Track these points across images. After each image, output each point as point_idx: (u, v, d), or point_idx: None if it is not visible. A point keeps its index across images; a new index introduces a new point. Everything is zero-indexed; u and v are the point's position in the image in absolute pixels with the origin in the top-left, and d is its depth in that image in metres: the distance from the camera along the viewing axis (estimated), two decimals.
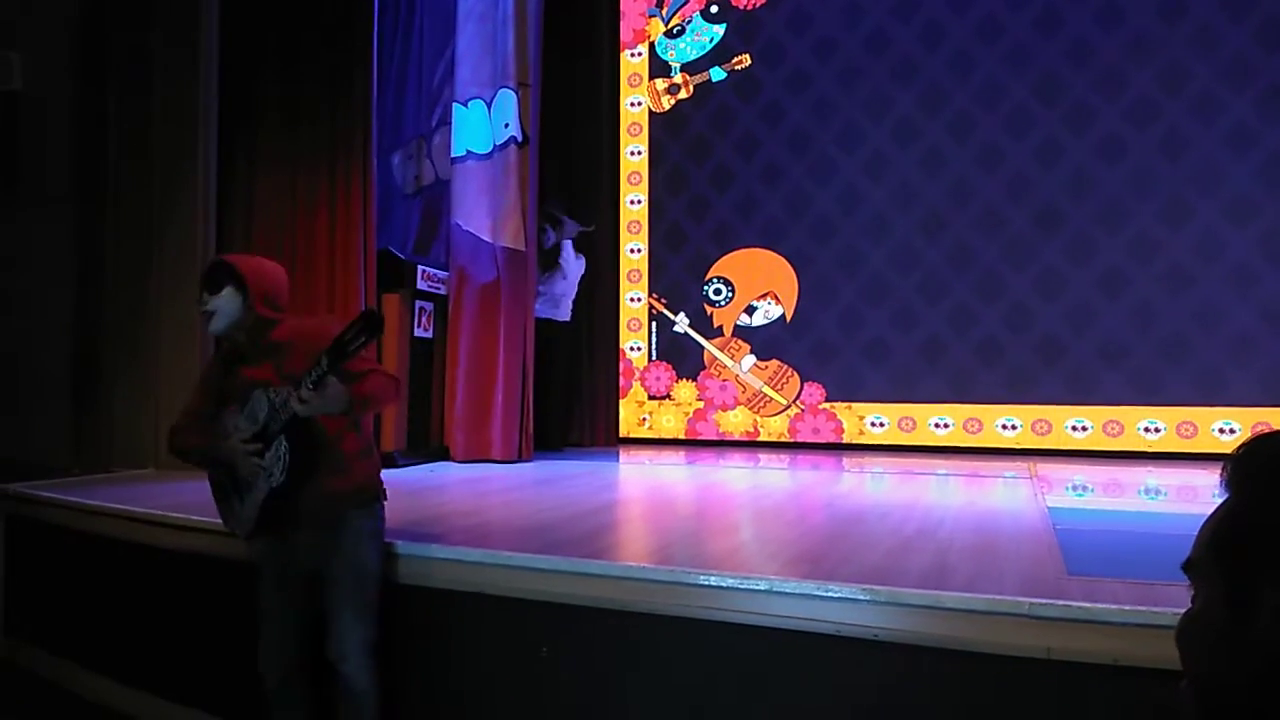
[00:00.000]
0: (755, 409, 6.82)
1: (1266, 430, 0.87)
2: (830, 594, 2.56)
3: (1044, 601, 2.32)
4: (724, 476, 5.39)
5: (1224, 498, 0.83)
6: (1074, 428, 6.02)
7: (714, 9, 7.00)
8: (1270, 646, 0.74)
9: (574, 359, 6.78)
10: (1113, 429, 5.94)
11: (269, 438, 2.58)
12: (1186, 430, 5.80)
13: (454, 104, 5.94)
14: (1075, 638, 2.30)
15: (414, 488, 4.75)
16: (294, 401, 2.45)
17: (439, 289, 5.87)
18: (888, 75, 6.46)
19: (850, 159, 6.54)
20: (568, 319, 6.49)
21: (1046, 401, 6.07)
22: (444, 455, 5.79)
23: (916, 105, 6.38)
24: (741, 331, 6.85)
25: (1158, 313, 5.87)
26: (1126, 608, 2.24)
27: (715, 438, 6.92)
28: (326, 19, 5.26)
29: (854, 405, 6.55)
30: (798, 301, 6.67)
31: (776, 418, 6.76)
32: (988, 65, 6.23)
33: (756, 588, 2.58)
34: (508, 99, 5.79)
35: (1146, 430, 5.88)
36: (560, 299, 6.43)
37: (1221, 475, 0.83)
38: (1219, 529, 0.82)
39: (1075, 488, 4.81)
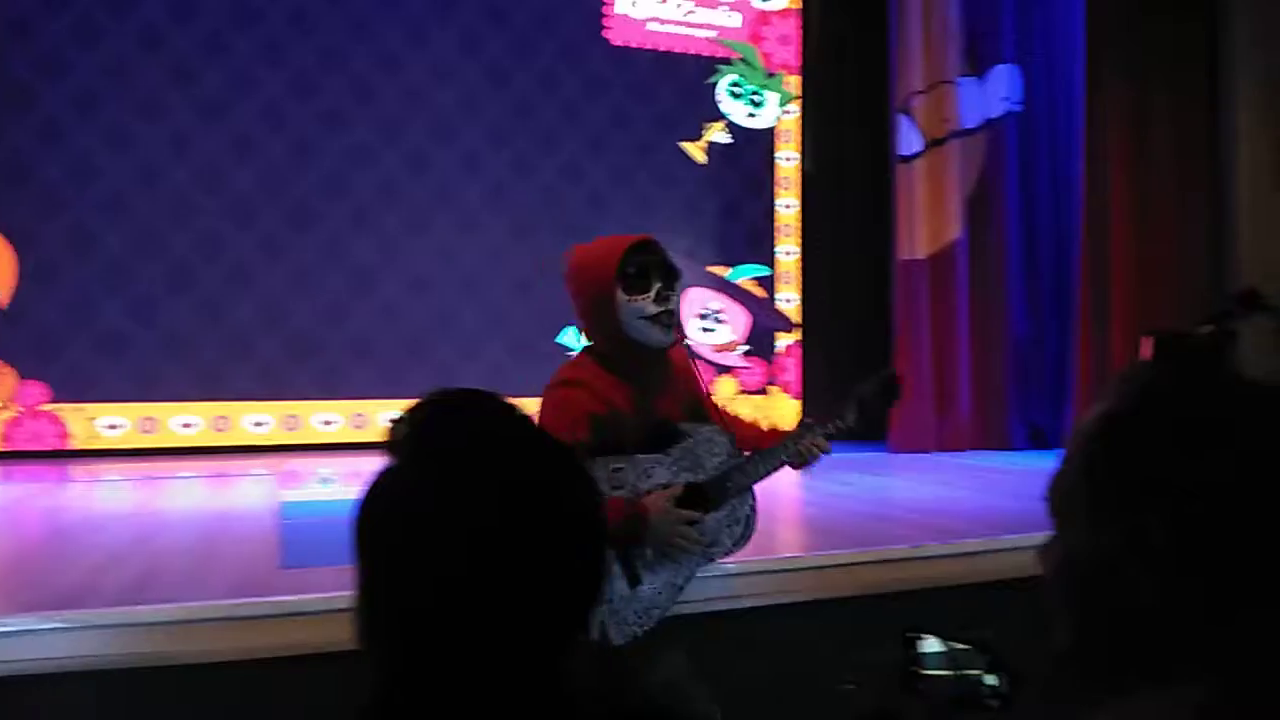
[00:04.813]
0: None
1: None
2: (5, 629, 2.14)
3: (246, 601, 2.24)
4: None
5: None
6: (324, 422, 6.15)
7: None
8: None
9: None
10: (360, 421, 6.24)
11: (723, 495, 1.96)
12: None
13: None
14: (283, 633, 2.27)
15: None
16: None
17: None
18: (98, 71, 5.79)
19: (85, 128, 5.74)
20: None
21: (298, 397, 6.10)
22: None
23: (164, 81, 5.89)
24: None
25: (402, 312, 6.33)
26: (330, 595, 2.28)
27: None
28: None
29: (85, 406, 5.75)
30: (15, 286, 5.62)
31: None
32: (215, 74, 5.98)
33: None
34: None
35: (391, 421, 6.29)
36: None
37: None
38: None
39: (322, 480, 4.91)
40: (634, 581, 1.94)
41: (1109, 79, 6.03)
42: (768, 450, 1.99)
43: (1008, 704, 0.99)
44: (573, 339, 6.73)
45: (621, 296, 1.91)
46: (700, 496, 1.94)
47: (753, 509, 2.02)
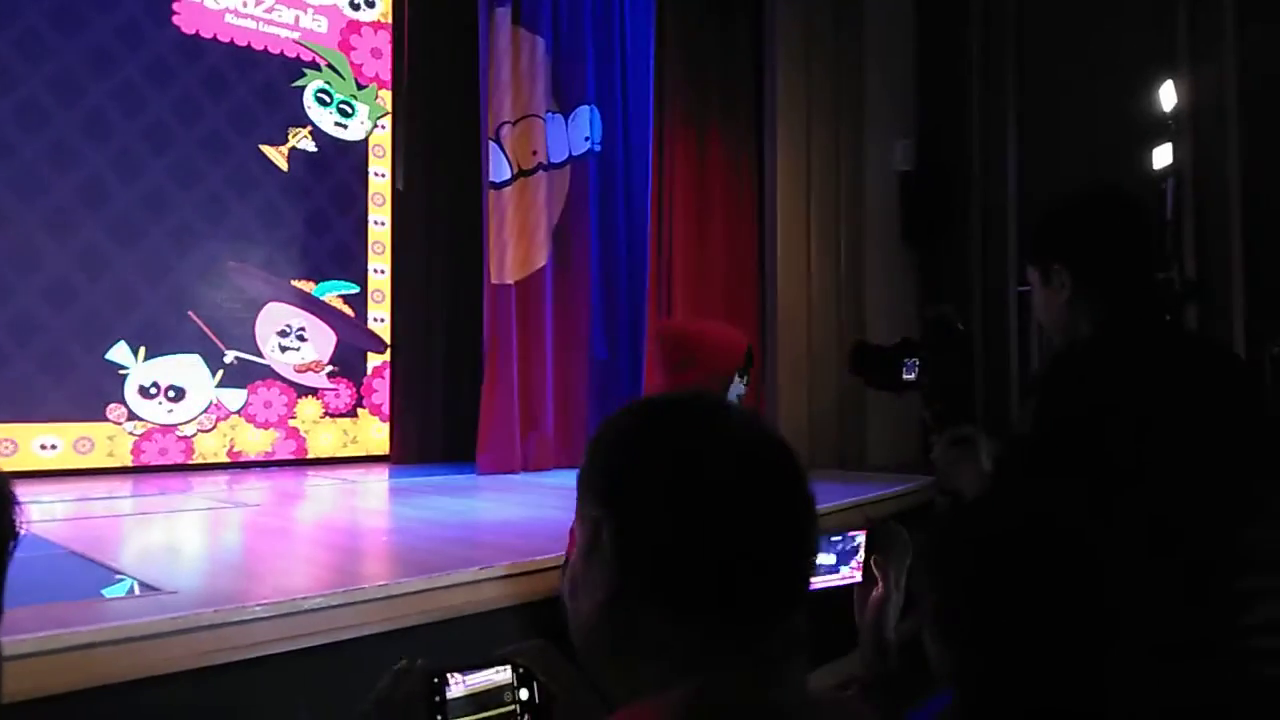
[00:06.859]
0: None
1: None
2: None
3: None
4: None
5: None
6: None
7: None
8: None
9: None
10: None
11: None
12: (7, 448, 5.43)
13: None
14: None
15: None
16: None
17: None
18: None
19: None
20: None
21: None
22: None
23: None
24: None
25: None
26: None
27: None
28: None
29: None
30: None
31: None
32: None
33: None
34: None
35: None
36: None
37: None
38: None
39: None
40: None
41: (674, 125, 6.67)
42: None
43: (538, 714, 0.99)
44: (126, 355, 5.93)
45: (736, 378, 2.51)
46: None
47: None
